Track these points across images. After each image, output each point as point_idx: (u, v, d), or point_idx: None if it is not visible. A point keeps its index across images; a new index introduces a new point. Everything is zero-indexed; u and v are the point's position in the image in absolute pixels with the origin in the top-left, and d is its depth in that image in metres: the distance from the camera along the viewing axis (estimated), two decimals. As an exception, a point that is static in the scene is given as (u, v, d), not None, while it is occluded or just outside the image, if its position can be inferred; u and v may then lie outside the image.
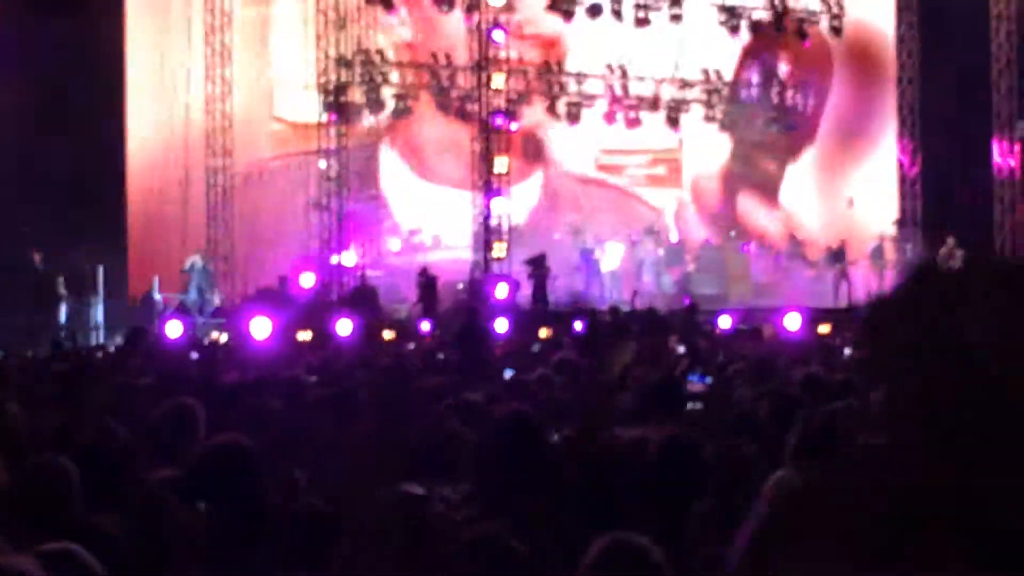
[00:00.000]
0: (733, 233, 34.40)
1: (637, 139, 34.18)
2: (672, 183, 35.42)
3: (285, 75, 32.01)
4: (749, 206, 35.64)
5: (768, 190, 35.86)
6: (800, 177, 35.84)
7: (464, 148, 31.43)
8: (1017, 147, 32.84)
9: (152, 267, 29.29)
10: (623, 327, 19.44)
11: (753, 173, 35.69)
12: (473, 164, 30.54)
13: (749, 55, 34.45)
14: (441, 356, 13.40)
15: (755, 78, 34.82)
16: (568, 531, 4.77)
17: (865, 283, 32.00)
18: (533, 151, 33.33)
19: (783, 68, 34.87)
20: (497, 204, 29.80)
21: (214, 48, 30.68)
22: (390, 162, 33.22)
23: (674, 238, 33.97)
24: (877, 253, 33.10)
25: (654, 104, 32.92)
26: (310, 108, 30.33)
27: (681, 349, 14.76)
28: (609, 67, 32.58)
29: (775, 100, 34.40)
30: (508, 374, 11.05)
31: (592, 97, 32.51)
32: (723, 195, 35.62)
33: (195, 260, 29.33)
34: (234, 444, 4.95)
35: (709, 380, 9.13)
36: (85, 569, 3.39)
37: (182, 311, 28.31)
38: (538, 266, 28.65)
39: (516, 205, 31.66)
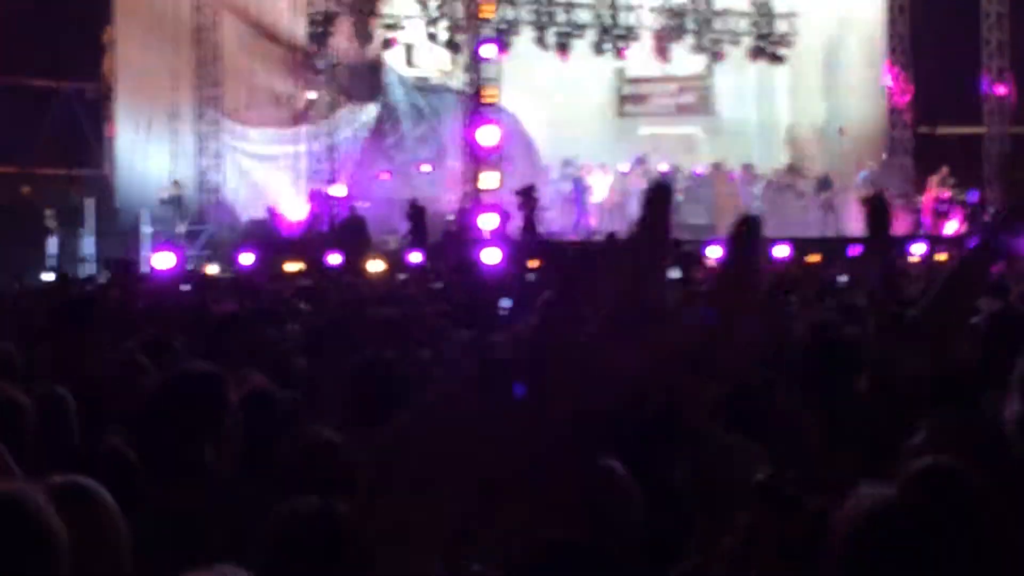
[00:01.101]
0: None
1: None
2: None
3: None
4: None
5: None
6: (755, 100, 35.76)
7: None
8: (1008, 76, 32.81)
9: (141, 201, 29.22)
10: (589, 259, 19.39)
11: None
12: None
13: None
14: (439, 285, 13.40)
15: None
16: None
17: (854, 212, 31.99)
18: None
19: None
20: (483, 134, 29.63)
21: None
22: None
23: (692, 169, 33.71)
24: (866, 182, 33.02)
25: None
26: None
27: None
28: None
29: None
30: (506, 304, 11.05)
31: (582, 27, 32.34)
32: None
33: (172, 189, 29.25)
34: (201, 373, 4.90)
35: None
36: (98, 503, 3.38)
37: (172, 242, 28.28)
38: (527, 196, 28.62)
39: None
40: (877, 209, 4.65)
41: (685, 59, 33.89)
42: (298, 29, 30.70)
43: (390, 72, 32.76)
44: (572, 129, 32.76)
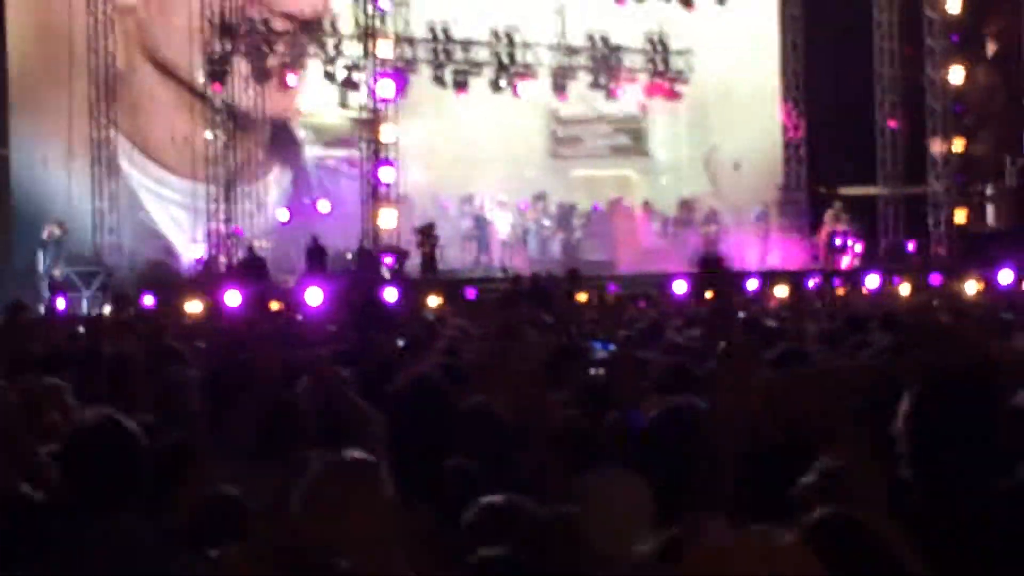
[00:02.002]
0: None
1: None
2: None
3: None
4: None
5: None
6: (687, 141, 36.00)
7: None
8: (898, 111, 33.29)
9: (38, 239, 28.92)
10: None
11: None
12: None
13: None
14: (332, 328, 13.31)
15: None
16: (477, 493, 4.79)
17: (743, 246, 32.18)
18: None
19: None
20: (384, 172, 29.54)
21: (96, 17, 30.20)
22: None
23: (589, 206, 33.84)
24: (761, 217, 33.35)
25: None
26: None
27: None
28: (495, 34, 32.49)
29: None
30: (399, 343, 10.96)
31: (479, 65, 32.38)
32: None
33: (52, 229, 28.91)
34: (110, 420, 4.85)
35: (612, 347, 9.14)
36: None
37: (65, 284, 27.95)
38: (427, 235, 28.63)
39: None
40: None
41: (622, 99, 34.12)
42: (195, 70, 30.60)
43: (300, 131, 33.05)
44: (501, 169, 32.82)
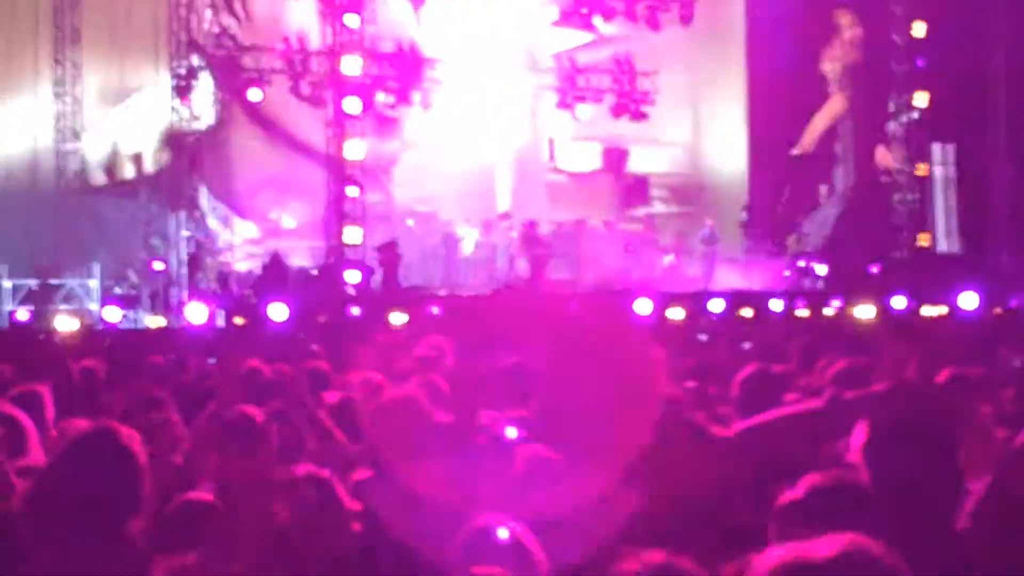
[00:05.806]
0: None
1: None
2: None
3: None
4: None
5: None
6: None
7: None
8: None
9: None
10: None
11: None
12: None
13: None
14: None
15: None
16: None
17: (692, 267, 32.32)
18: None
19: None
20: (350, 190, 29.43)
21: (64, 65, 30.54)
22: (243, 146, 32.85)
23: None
24: (709, 239, 33.05)
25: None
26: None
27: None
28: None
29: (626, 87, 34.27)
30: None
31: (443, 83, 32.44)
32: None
33: None
34: (103, 429, 4.82)
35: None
36: None
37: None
38: (388, 252, 28.57)
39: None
40: None
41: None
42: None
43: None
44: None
